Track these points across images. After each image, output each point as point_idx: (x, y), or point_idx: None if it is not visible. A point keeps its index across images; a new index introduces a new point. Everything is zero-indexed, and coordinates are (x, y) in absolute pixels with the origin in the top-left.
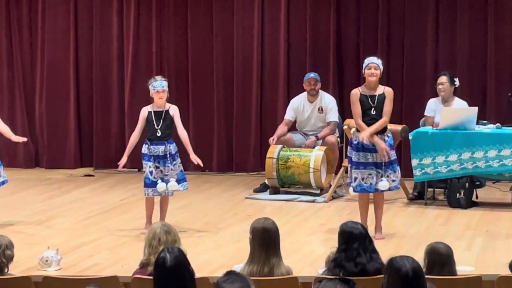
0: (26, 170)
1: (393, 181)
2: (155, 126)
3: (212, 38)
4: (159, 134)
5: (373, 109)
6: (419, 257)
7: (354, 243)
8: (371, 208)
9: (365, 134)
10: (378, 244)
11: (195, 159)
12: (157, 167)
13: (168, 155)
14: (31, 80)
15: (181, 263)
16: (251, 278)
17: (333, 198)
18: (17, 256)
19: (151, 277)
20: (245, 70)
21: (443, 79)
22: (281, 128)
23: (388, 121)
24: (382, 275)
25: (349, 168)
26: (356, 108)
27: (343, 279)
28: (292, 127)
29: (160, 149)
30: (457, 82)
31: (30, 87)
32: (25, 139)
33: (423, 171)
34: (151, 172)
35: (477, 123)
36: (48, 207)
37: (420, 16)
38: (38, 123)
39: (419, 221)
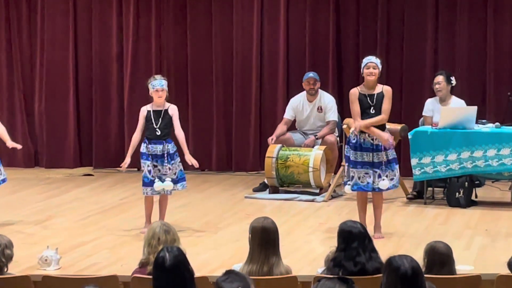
0: (25, 169)
1: (391, 179)
2: (154, 125)
3: (212, 38)
4: (158, 133)
5: (372, 108)
6: (419, 256)
7: (353, 242)
8: (370, 207)
9: (359, 124)
10: (377, 244)
11: (190, 160)
12: (155, 166)
13: (166, 154)
14: (31, 79)
15: (181, 262)
16: (251, 277)
17: (333, 197)
18: (16, 256)
19: (151, 277)
20: (244, 70)
21: (440, 78)
22: (281, 128)
23: (386, 119)
24: (381, 275)
25: (346, 167)
26: (355, 107)
27: (342, 278)
28: (292, 127)
29: (158, 148)
30: (453, 81)
31: (29, 86)
32: (20, 146)
33: (422, 170)
34: (149, 171)
35: (476, 122)
36: (48, 206)
37: (419, 15)
38: (37, 122)
39: (418, 220)
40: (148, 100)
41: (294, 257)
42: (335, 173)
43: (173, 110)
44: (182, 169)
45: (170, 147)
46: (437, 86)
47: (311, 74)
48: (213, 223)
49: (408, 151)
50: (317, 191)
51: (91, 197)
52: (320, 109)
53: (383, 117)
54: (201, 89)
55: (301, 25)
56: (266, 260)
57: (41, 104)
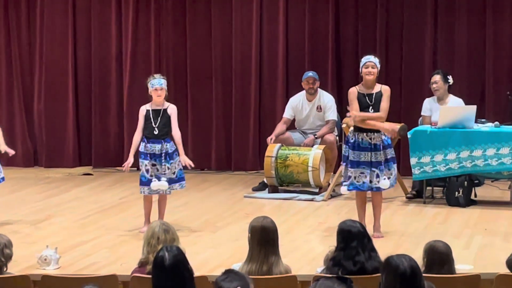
0: (24, 169)
1: (388, 178)
2: (153, 124)
3: (211, 38)
4: (156, 132)
5: (370, 107)
6: (418, 255)
7: (352, 241)
8: (370, 206)
9: (357, 113)
10: (376, 243)
11: (185, 160)
12: (153, 165)
13: (165, 154)
14: (30, 79)
15: (180, 261)
16: (250, 276)
17: (332, 196)
18: (16, 255)
19: (150, 276)
20: (244, 69)
21: (437, 77)
22: (280, 127)
23: (384, 117)
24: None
25: (343, 167)
26: (354, 106)
27: (341, 277)
28: (291, 126)
29: (156, 147)
30: (450, 79)
31: (28, 86)
32: (13, 152)
33: (421, 169)
34: (147, 170)
35: (476, 121)
36: (47, 206)
37: (418, 15)
38: (36, 122)
39: (417, 220)
40: (148, 99)
41: (294, 257)
42: (335, 172)
43: (172, 109)
44: (182, 168)
45: (169, 147)
46: (434, 85)
47: (310, 74)
48: (213, 223)
49: (408, 151)
50: (317, 190)
51: (90, 197)
52: (319, 109)
53: (380, 114)
54: (200, 88)
55: (301, 24)
56: (266, 260)
57: (41, 104)
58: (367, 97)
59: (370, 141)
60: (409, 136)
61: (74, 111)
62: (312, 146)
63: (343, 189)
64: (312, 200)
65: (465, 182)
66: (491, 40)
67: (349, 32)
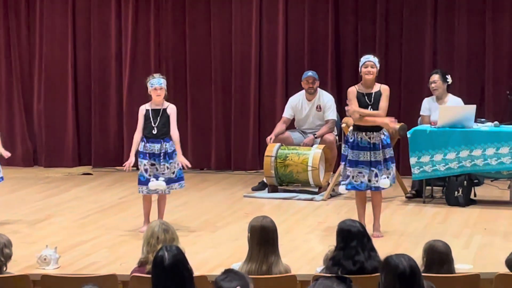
0: (24, 168)
1: (387, 177)
2: (152, 123)
3: (211, 38)
4: (155, 132)
5: (370, 107)
6: (418, 255)
7: (352, 241)
8: (369, 206)
9: (356, 109)
10: (376, 242)
11: (182, 161)
12: (152, 165)
13: (164, 153)
14: (29, 78)
15: (179, 261)
16: (250, 276)
17: (332, 196)
18: (15, 255)
19: (150, 276)
20: (243, 69)
21: (435, 77)
22: (279, 126)
23: (383, 116)
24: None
25: (342, 166)
26: (354, 105)
27: (340, 277)
28: (291, 125)
29: (155, 147)
30: (449, 79)
31: (28, 85)
32: (8, 154)
33: (421, 169)
34: (145, 170)
35: (475, 121)
36: (47, 205)
37: (418, 15)
38: (36, 121)
39: (417, 219)
40: (147, 99)
41: (293, 256)
42: (334, 172)
43: (171, 109)
44: (182, 168)
45: (168, 146)
46: (433, 85)
47: (310, 73)
48: (212, 222)
49: (407, 150)
50: (316, 190)
51: (90, 196)
52: (319, 108)
53: (379, 112)
54: (200, 88)
55: (300, 24)
56: (265, 259)
57: (40, 104)
58: (366, 97)
59: (369, 140)
60: (408, 135)
61: (73, 111)
62: (311, 146)
63: (341, 188)
64: (311, 199)
65: (465, 182)
66: (490, 40)
67: (349, 32)
